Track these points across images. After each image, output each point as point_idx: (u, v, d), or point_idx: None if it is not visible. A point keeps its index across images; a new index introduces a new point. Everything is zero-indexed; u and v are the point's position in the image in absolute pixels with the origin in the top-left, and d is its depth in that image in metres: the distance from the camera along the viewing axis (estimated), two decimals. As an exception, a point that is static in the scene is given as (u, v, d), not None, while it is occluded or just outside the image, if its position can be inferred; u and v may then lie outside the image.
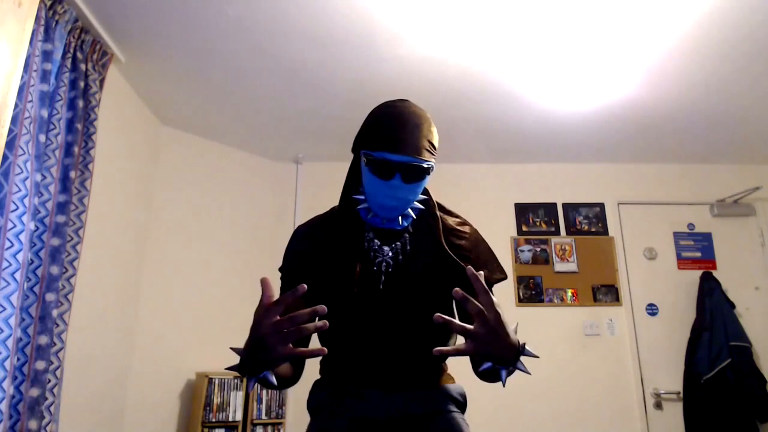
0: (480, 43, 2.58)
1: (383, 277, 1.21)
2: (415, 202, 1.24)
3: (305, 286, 0.86)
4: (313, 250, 1.27)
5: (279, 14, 2.39)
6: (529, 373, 1.00)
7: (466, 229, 1.32)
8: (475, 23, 2.44)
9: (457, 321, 0.92)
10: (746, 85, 2.91)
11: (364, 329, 1.21)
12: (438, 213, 1.30)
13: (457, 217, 1.35)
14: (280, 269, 1.32)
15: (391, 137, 1.13)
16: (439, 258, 1.24)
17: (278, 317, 0.90)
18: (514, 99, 3.08)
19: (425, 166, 1.15)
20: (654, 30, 2.46)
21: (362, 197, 1.24)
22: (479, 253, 1.28)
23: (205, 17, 2.42)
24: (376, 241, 1.24)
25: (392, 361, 1.21)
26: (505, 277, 1.30)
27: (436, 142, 1.19)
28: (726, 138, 3.55)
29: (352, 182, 1.27)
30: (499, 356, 0.96)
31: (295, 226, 3.77)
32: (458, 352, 0.93)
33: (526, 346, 0.99)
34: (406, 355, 1.22)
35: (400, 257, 1.23)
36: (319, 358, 1.32)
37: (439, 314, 0.89)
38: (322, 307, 0.87)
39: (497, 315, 0.93)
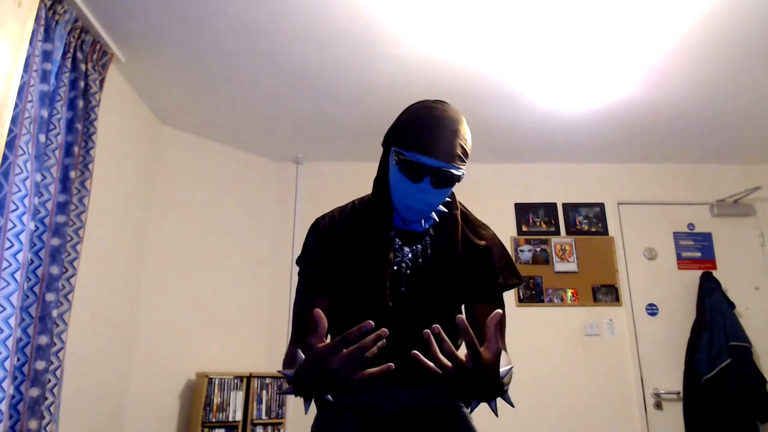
0: (480, 43, 2.58)
1: (402, 279, 1.22)
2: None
3: (372, 323, 0.86)
4: (337, 246, 1.25)
5: (279, 14, 2.39)
6: (500, 411, 1.04)
7: (485, 233, 1.31)
8: (475, 23, 2.44)
9: (449, 344, 0.90)
10: (746, 85, 2.91)
11: (379, 326, 1.22)
12: (459, 217, 1.28)
13: (478, 220, 1.34)
14: (299, 261, 1.30)
15: (425, 139, 1.10)
16: (457, 263, 1.24)
17: (344, 350, 0.90)
18: (514, 99, 3.08)
19: (456, 173, 1.13)
20: (654, 30, 2.46)
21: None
22: (495, 258, 1.27)
23: (205, 17, 2.42)
24: (397, 240, 1.24)
25: (402, 358, 1.22)
26: (520, 282, 1.30)
27: (469, 150, 1.17)
28: (726, 138, 3.55)
29: (384, 179, 1.24)
30: (474, 391, 0.96)
31: (295, 227, 3.80)
32: (436, 372, 0.91)
33: (507, 393, 1.00)
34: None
35: (420, 260, 1.23)
36: None
37: (432, 328, 0.88)
38: (369, 323, 0.86)
39: (491, 361, 0.91)
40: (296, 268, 1.33)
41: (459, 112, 1.19)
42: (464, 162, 1.15)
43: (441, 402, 1.24)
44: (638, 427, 3.40)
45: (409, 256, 1.24)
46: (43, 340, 2.07)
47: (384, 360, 1.21)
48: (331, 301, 1.27)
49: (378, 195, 1.24)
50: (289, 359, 1.14)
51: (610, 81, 2.88)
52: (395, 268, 1.22)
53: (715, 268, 3.68)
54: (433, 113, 1.14)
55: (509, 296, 3.65)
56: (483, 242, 1.28)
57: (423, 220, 1.24)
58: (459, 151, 1.13)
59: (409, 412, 1.21)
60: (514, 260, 1.36)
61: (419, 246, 1.25)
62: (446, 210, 1.27)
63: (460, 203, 1.31)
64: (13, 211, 1.86)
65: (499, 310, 0.90)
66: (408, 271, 1.22)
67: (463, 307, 1.33)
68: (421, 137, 1.11)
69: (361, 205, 1.31)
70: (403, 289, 1.22)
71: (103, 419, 2.78)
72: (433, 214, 1.24)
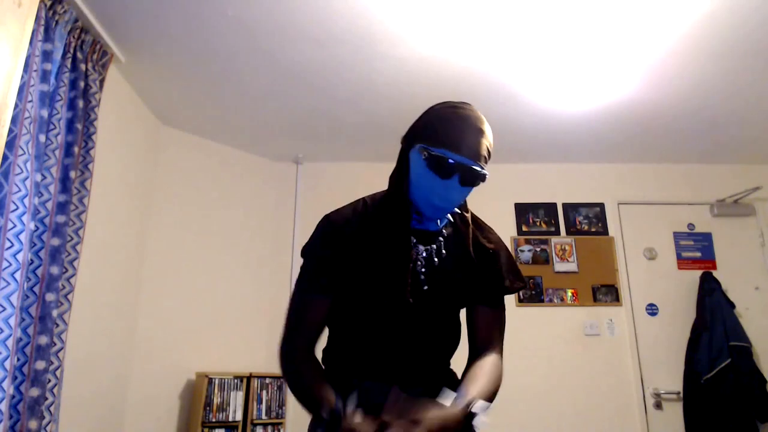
0: (480, 44, 2.58)
1: (421, 277, 1.22)
2: None
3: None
4: (349, 243, 1.21)
5: (279, 14, 2.39)
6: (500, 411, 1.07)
7: (493, 236, 1.33)
8: (476, 24, 2.44)
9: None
10: (746, 85, 2.91)
11: (385, 326, 1.22)
12: (470, 219, 1.30)
13: (484, 223, 1.36)
14: (305, 253, 1.26)
15: (456, 137, 1.12)
16: (468, 265, 1.25)
17: None
18: (514, 99, 3.08)
19: (483, 172, 1.15)
20: (654, 30, 2.46)
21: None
22: (502, 262, 1.30)
23: (205, 17, 2.42)
24: (412, 238, 1.23)
25: (407, 357, 1.23)
26: (524, 286, 1.33)
27: (492, 152, 1.19)
28: (726, 138, 3.55)
29: (403, 176, 1.22)
30: None
31: (295, 227, 3.80)
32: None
33: (477, 418, 1.04)
34: (421, 353, 1.24)
35: (435, 260, 1.23)
36: (322, 347, 1.32)
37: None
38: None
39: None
40: (296, 269, 1.32)
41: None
42: (486, 163, 1.17)
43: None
44: (638, 427, 3.40)
45: (424, 255, 1.23)
46: (43, 340, 2.06)
47: (392, 358, 1.22)
48: (335, 301, 1.24)
49: (397, 192, 1.23)
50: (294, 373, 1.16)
51: (610, 81, 2.88)
52: (410, 265, 1.21)
53: (715, 268, 3.68)
54: (462, 113, 1.16)
55: (510, 297, 3.64)
56: (492, 245, 1.30)
57: (438, 220, 1.24)
58: (485, 151, 1.15)
59: None
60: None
61: (434, 246, 1.24)
62: (458, 211, 1.28)
63: (469, 208, 1.33)
64: (13, 211, 1.86)
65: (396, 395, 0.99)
66: (423, 270, 1.22)
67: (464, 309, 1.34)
68: (452, 135, 1.13)
69: (375, 202, 1.28)
70: (426, 288, 1.21)
71: (103, 419, 2.78)
72: (448, 214, 1.24)
